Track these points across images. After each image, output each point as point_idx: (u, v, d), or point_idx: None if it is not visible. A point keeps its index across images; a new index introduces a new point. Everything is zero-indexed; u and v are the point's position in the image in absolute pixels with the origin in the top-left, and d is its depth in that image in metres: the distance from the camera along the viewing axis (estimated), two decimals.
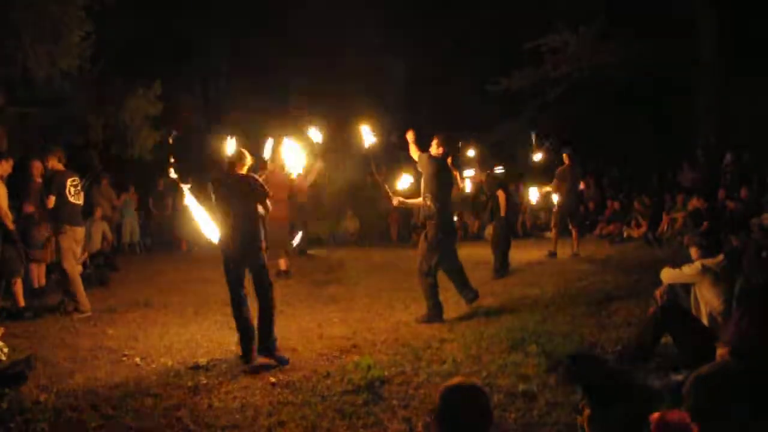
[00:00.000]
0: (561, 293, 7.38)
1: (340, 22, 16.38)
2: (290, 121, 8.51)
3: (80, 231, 7.21)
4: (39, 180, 7.84)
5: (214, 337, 5.98)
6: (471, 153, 10.84)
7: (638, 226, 12.51)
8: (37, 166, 7.76)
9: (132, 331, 6.28)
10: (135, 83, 12.16)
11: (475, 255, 10.01)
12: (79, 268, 7.70)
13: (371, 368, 4.76)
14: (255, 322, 5.19)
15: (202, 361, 5.19)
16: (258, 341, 5.15)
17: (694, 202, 11.30)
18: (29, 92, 10.61)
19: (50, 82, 10.61)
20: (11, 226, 6.85)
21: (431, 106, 17.31)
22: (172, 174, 6.23)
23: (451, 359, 5.00)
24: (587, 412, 2.62)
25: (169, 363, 5.21)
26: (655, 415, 2.67)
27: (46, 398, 4.37)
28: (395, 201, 7.25)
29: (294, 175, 7.72)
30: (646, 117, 16.00)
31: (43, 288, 8.18)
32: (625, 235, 12.60)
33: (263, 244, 5.28)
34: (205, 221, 5.23)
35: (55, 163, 7.16)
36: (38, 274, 8.17)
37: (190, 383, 4.69)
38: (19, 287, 7.06)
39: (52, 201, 6.97)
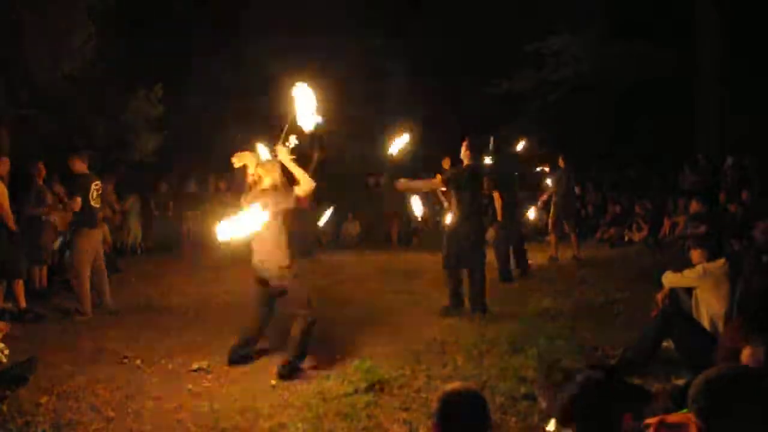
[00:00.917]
0: (562, 297, 7.37)
1: (341, 23, 16.39)
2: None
3: (96, 233, 7.25)
4: (41, 182, 7.87)
5: (214, 339, 5.98)
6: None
7: (639, 229, 12.50)
8: (40, 168, 7.80)
9: (133, 334, 6.28)
10: (137, 85, 12.19)
11: None
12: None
13: (372, 371, 4.76)
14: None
15: (203, 363, 5.18)
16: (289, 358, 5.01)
17: (695, 206, 11.29)
18: (31, 94, 10.62)
19: (52, 85, 10.63)
20: (14, 226, 6.86)
21: (432, 108, 17.31)
22: None
23: (451, 362, 5.00)
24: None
25: (170, 365, 5.21)
26: (655, 418, 2.67)
27: (47, 400, 4.37)
28: (400, 185, 7.22)
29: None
30: (647, 120, 16.00)
31: (45, 290, 8.18)
32: (626, 238, 12.59)
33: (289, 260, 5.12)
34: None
35: (81, 166, 7.21)
36: (40, 275, 8.18)
37: (190, 386, 4.70)
38: (20, 288, 7.07)
39: (78, 203, 7.01)
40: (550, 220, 10.55)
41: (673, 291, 5.08)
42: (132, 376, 4.95)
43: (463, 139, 7.01)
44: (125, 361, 5.37)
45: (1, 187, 6.82)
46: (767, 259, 5.68)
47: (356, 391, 4.39)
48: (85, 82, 11.16)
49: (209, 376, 4.92)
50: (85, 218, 7.10)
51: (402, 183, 7.19)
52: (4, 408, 4.16)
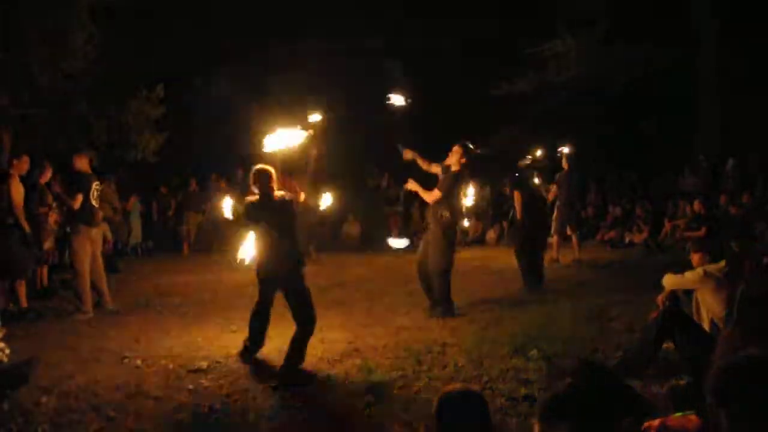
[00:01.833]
0: (562, 298, 7.38)
1: (342, 25, 16.40)
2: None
3: (95, 231, 7.26)
4: (43, 181, 7.89)
5: (214, 340, 5.98)
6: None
7: (639, 231, 12.51)
8: (45, 168, 7.83)
9: (133, 334, 6.28)
10: (137, 85, 12.19)
11: (473, 259, 10.02)
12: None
13: (372, 372, 4.76)
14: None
15: (203, 364, 5.18)
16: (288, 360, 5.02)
17: (696, 207, 11.32)
18: (32, 94, 10.62)
19: (53, 85, 10.63)
20: (27, 228, 6.92)
21: (433, 111, 17.31)
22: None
23: (452, 364, 5.00)
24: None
25: (170, 366, 5.20)
26: (656, 421, 2.66)
27: (48, 400, 4.37)
28: (408, 154, 7.28)
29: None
30: (648, 122, 16.02)
31: (46, 289, 8.19)
32: (626, 240, 12.60)
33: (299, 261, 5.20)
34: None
35: (83, 165, 7.23)
36: (41, 275, 8.19)
37: (191, 386, 4.69)
38: (23, 288, 7.09)
39: (79, 201, 7.04)
40: (553, 222, 10.52)
41: (673, 293, 5.08)
42: (132, 376, 4.95)
43: (455, 144, 7.01)
44: (125, 361, 5.37)
45: (19, 186, 6.89)
46: None
47: (357, 393, 4.39)
48: (86, 82, 11.17)
49: (209, 377, 4.92)
50: (84, 217, 7.12)
51: (411, 153, 7.22)
52: (5, 407, 4.16)
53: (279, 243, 5.03)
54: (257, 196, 5.17)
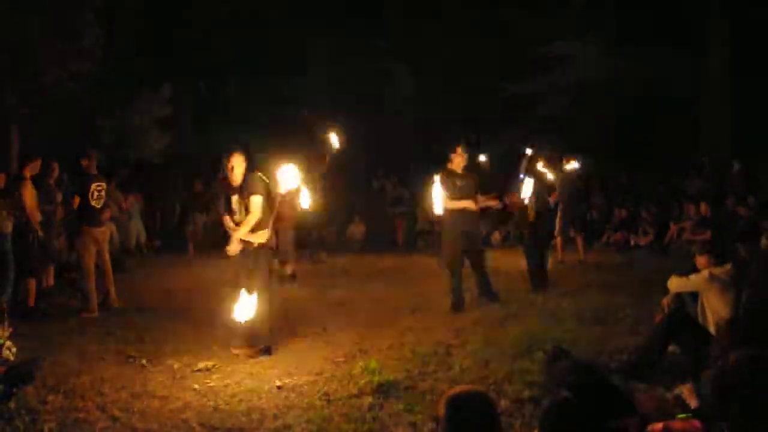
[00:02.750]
0: (567, 301, 7.36)
1: (345, 27, 16.43)
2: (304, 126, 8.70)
3: (98, 231, 7.29)
4: (51, 181, 7.94)
5: (219, 339, 5.99)
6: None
7: (645, 234, 12.47)
8: (53, 168, 7.88)
9: (139, 333, 6.30)
10: (144, 86, 12.24)
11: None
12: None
13: (377, 373, 4.76)
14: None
15: (208, 363, 5.20)
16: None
17: (702, 209, 11.28)
18: (39, 94, 10.68)
19: (60, 85, 10.68)
20: (39, 229, 7.01)
21: (438, 112, 17.34)
22: None
23: (457, 365, 5.00)
24: None
25: (176, 365, 5.22)
26: (659, 425, 2.66)
27: (54, 398, 4.39)
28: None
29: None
30: (654, 124, 15.97)
31: (52, 288, 8.22)
32: (632, 243, 12.56)
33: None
34: None
35: (87, 165, 7.28)
36: (47, 274, 8.22)
37: (196, 385, 4.71)
38: (32, 287, 7.14)
39: (77, 202, 7.12)
40: (556, 224, 10.49)
41: (678, 296, 5.07)
42: (138, 376, 4.97)
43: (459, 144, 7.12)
44: (131, 360, 5.39)
45: (30, 188, 6.99)
46: None
47: (361, 393, 4.40)
48: (93, 82, 11.22)
49: (214, 376, 4.93)
50: (86, 217, 7.16)
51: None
52: (11, 405, 4.18)
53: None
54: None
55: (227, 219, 5.66)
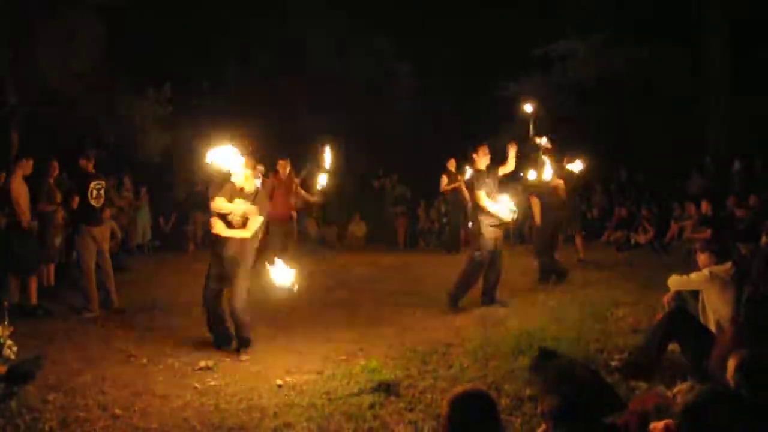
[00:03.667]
0: (567, 299, 7.37)
1: (347, 27, 16.42)
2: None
3: (97, 230, 7.29)
4: (51, 180, 7.94)
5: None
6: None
7: (645, 232, 12.47)
8: (53, 166, 7.89)
9: (139, 332, 6.31)
10: (145, 85, 12.23)
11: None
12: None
13: (378, 371, 4.78)
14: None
15: (209, 362, 5.21)
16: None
17: (704, 208, 11.28)
18: (41, 93, 10.68)
19: (61, 84, 10.68)
20: (26, 225, 7.01)
21: (441, 112, 17.34)
22: None
23: (457, 364, 5.01)
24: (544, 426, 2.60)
25: (176, 364, 5.23)
26: (659, 424, 2.66)
27: (55, 397, 4.40)
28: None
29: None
30: (654, 123, 15.95)
31: (53, 287, 8.23)
32: (632, 241, 12.55)
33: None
34: None
35: (85, 165, 7.29)
36: (48, 273, 8.23)
37: (197, 384, 4.72)
38: (33, 285, 7.15)
39: (75, 201, 7.14)
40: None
41: (679, 294, 5.07)
42: (138, 374, 4.98)
43: (480, 144, 7.20)
44: (132, 359, 5.40)
45: (23, 186, 7.03)
46: None
47: (362, 392, 4.40)
48: (94, 81, 11.22)
49: (215, 375, 4.94)
50: (84, 217, 7.16)
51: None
52: (12, 404, 4.19)
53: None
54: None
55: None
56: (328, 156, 8.96)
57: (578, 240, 10.54)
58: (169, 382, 4.78)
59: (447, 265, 9.37)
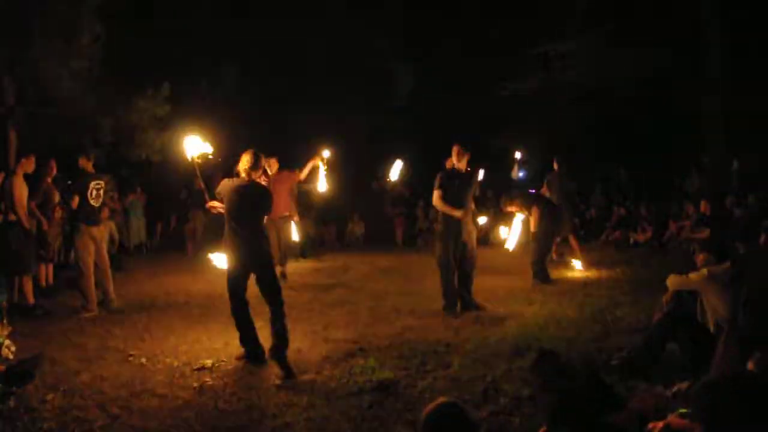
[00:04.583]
0: (566, 299, 7.37)
1: (348, 27, 16.42)
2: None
3: (96, 229, 7.29)
4: (50, 180, 7.94)
5: (219, 338, 5.99)
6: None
7: (644, 232, 12.48)
8: (51, 167, 7.89)
9: (138, 332, 6.31)
10: (144, 84, 12.21)
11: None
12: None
13: (376, 371, 4.78)
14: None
15: (208, 362, 5.21)
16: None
17: (702, 207, 11.29)
18: (39, 93, 10.67)
19: (60, 83, 10.66)
20: (27, 224, 7.01)
21: (439, 111, 17.35)
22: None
23: (456, 363, 5.00)
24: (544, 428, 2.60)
25: (175, 364, 5.23)
26: (659, 423, 2.66)
27: (53, 397, 4.40)
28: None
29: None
30: (653, 123, 15.98)
31: (51, 287, 8.23)
32: (630, 241, 12.56)
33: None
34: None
35: (85, 164, 7.29)
36: (46, 272, 8.23)
37: (195, 384, 4.71)
38: (29, 285, 7.14)
39: (75, 201, 7.14)
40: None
41: (677, 294, 5.07)
42: (137, 374, 4.97)
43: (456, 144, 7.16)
44: (130, 358, 5.40)
45: (22, 184, 7.02)
46: None
47: (361, 392, 4.40)
48: (92, 80, 11.20)
49: (214, 375, 4.94)
50: (84, 216, 7.17)
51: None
52: (11, 404, 4.19)
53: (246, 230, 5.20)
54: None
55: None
56: (327, 156, 9.02)
57: (572, 242, 10.48)
58: (168, 382, 4.77)
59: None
